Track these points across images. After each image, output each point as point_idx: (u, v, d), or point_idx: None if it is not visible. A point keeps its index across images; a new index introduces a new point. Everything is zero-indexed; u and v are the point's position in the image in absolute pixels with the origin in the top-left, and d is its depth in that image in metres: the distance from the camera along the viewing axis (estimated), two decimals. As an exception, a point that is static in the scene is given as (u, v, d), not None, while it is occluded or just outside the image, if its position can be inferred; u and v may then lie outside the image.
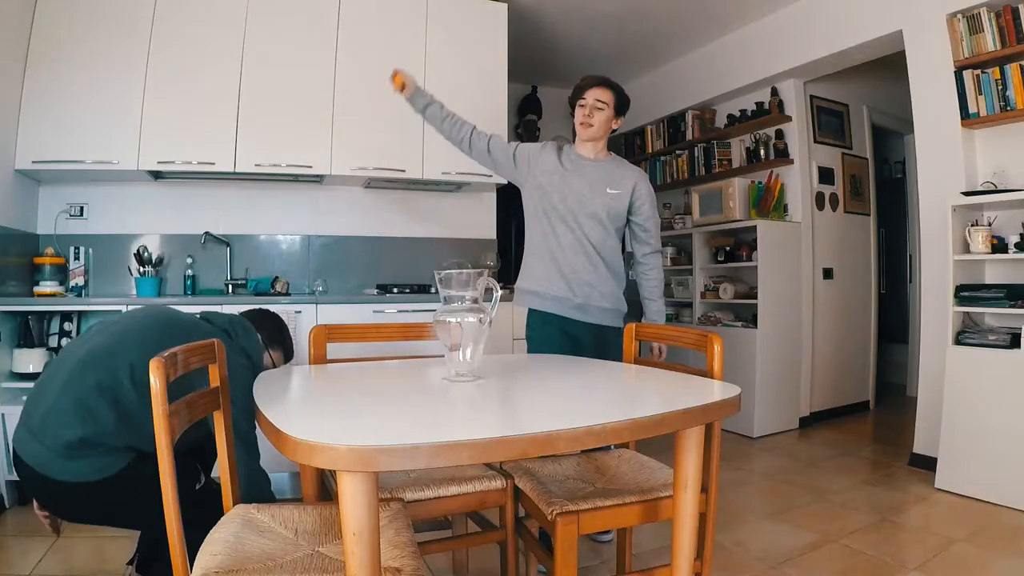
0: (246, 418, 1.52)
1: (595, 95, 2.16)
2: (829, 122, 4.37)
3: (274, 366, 1.90)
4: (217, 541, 1.16)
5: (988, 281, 2.95)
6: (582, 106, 2.18)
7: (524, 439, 0.88)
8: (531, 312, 2.27)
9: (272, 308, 2.75)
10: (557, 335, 2.20)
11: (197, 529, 1.17)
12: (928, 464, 2.98)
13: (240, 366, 1.59)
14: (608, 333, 2.24)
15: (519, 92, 5.31)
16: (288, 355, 1.98)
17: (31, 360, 2.61)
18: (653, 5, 3.95)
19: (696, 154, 4.76)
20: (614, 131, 2.23)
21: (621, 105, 2.20)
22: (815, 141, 4.25)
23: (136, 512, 1.44)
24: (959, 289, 2.81)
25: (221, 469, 1.32)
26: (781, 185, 4.14)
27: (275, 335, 1.95)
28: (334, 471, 1.03)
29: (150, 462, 1.13)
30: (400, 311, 2.99)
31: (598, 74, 2.24)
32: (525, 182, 2.27)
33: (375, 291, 3.36)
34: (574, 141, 2.31)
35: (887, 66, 3.77)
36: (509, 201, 5.15)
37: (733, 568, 2.09)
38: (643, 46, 4.66)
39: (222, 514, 1.29)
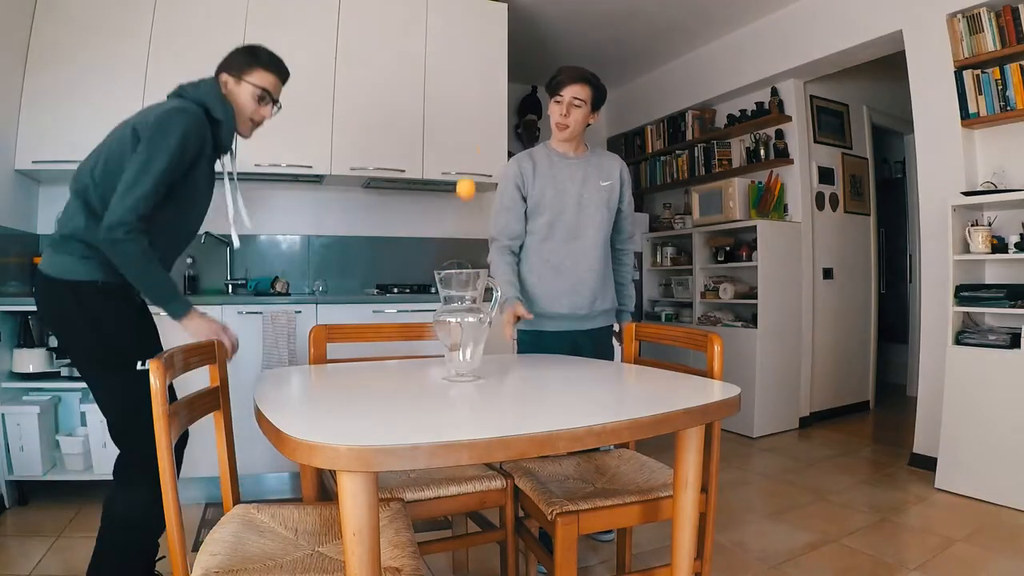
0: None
1: (572, 92, 2.02)
2: (829, 122, 4.37)
3: (260, 98, 1.73)
4: (217, 541, 1.16)
5: (988, 281, 2.95)
6: (558, 102, 2.05)
7: (524, 439, 0.88)
8: (530, 332, 2.14)
9: (272, 308, 2.77)
10: (554, 348, 2.11)
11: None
12: (928, 464, 2.98)
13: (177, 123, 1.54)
14: (603, 333, 2.23)
15: (519, 92, 5.31)
16: (272, 69, 1.75)
17: (31, 360, 2.61)
18: (653, 5, 3.95)
19: (696, 154, 4.76)
20: (589, 125, 2.13)
21: (598, 100, 2.07)
22: (815, 141, 4.25)
23: (96, 341, 1.56)
24: (959, 289, 2.81)
25: (221, 469, 1.32)
26: (781, 185, 4.14)
27: (238, 58, 1.73)
28: (334, 471, 1.03)
29: (115, 292, 1.54)
30: (400, 311, 2.99)
31: (575, 67, 2.07)
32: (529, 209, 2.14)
33: (375, 291, 3.36)
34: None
35: (887, 66, 3.78)
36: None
37: (733, 568, 2.09)
38: (643, 46, 4.66)
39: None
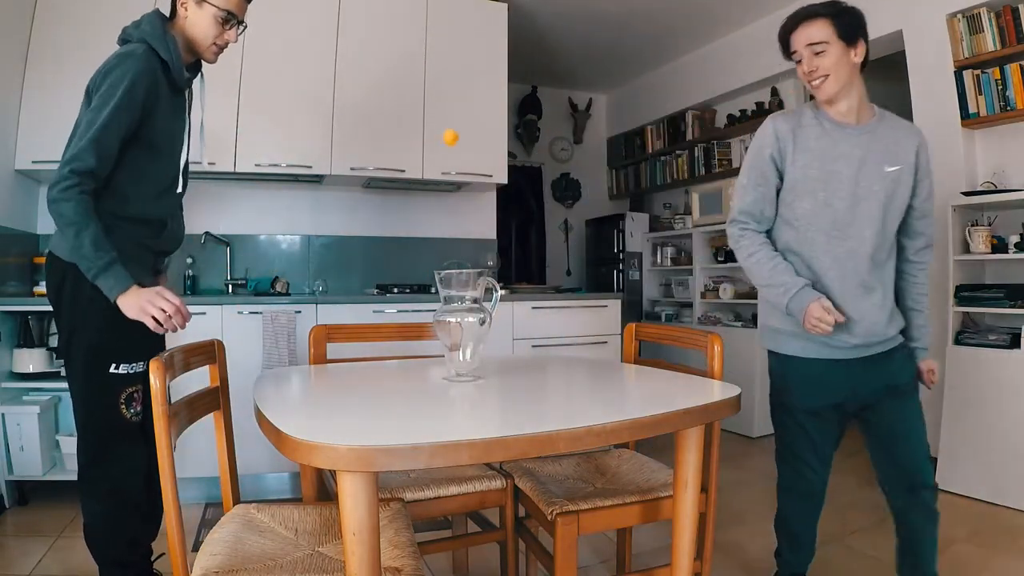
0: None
1: (804, 38, 1.50)
2: (829, 122, 4.37)
3: (225, 20, 1.59)
4: (217, 541, 1.16)
5: (988, 281, 2.95)
6: (797, 61, 1.54)
7: (524, 439, 0.88)
8: (782, 357, 1.64)
9: (272, 308, 2.77)
10: (819, 380, 1.60)
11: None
12: (928, 464, 2.98)
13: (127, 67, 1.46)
14: (895, 353, 1.63)
15: (519, 92, 5.31)
16: None
17: (31, 360, 2.61)
18: (653, 5, 3.95)
19: (696, 154, 4.76)
20: (863, 64, 1.52)
21: (850, 28, 1.49)
22: (815, 141, 4.24)
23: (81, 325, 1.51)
24: (959, 289, 2.81)
25: (221, 469, 1.32)
26: (781, 185, 4.14)
27: None
28: (334, 471, 1.03)
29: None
30: (400, 311, 2.99)
31: (803, 8, 1.53)
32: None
33: (375, 291, 3.36)
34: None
35: (887, 66, 3.77)
36: (509, 201, 5.17)
37: (733, 568, 2.09)
38: (643, 46, 4.66)
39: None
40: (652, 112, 5.19)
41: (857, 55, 1.50)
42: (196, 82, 1.73)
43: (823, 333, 1.48)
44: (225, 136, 3.04)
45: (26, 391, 2.66)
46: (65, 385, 2.61)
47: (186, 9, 1.58)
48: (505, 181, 3.61)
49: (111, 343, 1.50)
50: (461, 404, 1.19)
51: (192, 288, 3.25)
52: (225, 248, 3.34)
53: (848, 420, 1.69)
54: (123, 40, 1.61)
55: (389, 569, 1.06)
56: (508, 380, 1.43)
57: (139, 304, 1.43)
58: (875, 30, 3.31)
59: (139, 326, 1.48)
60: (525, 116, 5.38)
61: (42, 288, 2.84)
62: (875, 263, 1.56)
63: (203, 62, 1.69)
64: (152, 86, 1.52)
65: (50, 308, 2.66)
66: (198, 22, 1.58)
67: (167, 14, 1.63)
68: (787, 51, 1.57)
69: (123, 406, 1.52)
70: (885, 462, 1.64)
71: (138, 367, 1.53)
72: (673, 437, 1.25)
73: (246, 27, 1.67)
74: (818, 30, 1.49)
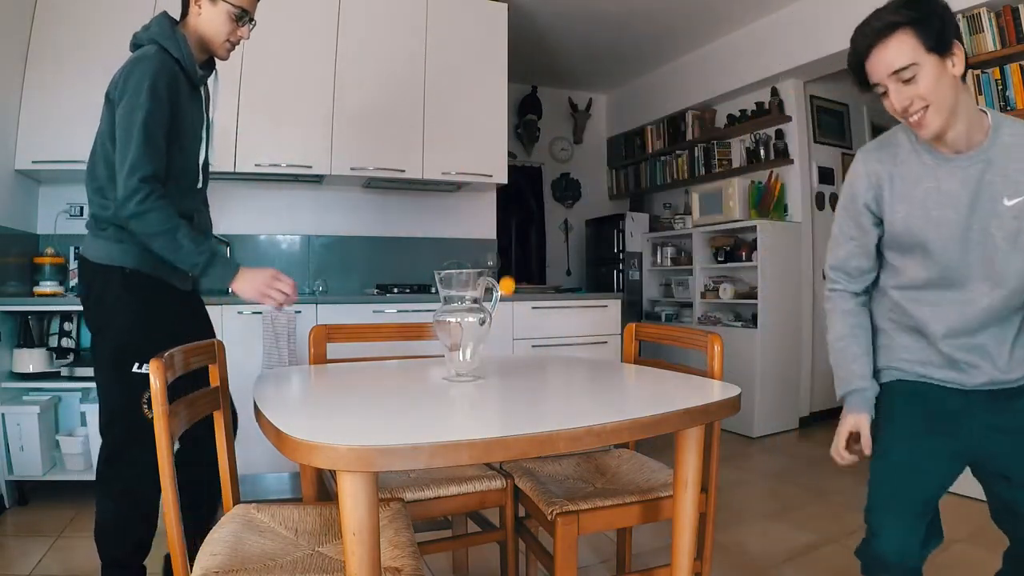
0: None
1: (884, 64, 1.15)
2: (829, 122, 4.37)
3: (238, 17, 1.60)
4: (217, 541, 1.16)
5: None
6: (881, 93, 1.20)
7: (524, 439, 0.88)
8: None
9: (272, 308, 2.76)
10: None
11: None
12: (928, 464, 2.97)
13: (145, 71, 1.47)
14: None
15: (519, 92, 5.31)
16: None
17: (31, 360, 2.61)
18: (653, 5, 3.95)
19: (696, 154, 4.76)
20: (965, 73, 1.19)
21: (938, 33, 1.13)
22: (815, 141, 4.25)
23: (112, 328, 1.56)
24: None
25: (221, 469, 1.32)
26: (781, 185, 4.14)
27: None
28: (334, 471, 1.03)
29: (139, 280, 1.49)
30: (400, 311, 2.99)
31: (871, 20, 1.19)
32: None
33: (375, 291, 3.36)
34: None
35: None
36: (509, 201, 5.17)
37: (733, 568, 2.09)
38: (643, 46, 4.66)
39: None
40: (652, 112, 5.19)
41: (956, 64, 1.14)
42: (211, 80, 1.75)
43: (841, 462, 1.32)
44: (225, 136, 3.04)
45: (26, 391, 2.66)
46: (65, 385, 2.66)
47: (200, 7, 1.60)
48: (505, 181, 3.62)
49: (136, 343, 1.51)
50: (461, 404, 1.19)
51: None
52: (225, 248, 3.34)
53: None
54: (135, 45, 1.63)
55: (389, 569, 1.06)
56: (508, 380, 1.43)
57: (257, 288, 1.55)
58: (875, 30, 3.35)
59: (165, 328, 1.52)
60: (525, 116, 5.38)
61: (42, 288, 2.85)
62: (999, 319, 1.23)
63: (216, 60, 1.72)
64: (172, 82, 1.54)
65: (50, 308, 2.69)
66: (212, 19, 1.60)
67: (175, 16, 1.65)
68: (864, 82, 1.22)
69: (144, 406, 1.51)
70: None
71: None
72: (673, 437, 1.25)
73: (255, 24, 1.68)
74: (899, 50, 1.13)
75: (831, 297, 1.40)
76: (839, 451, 1.32)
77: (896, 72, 1.15)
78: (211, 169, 3.06)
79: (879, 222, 1.31)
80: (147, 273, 1.55)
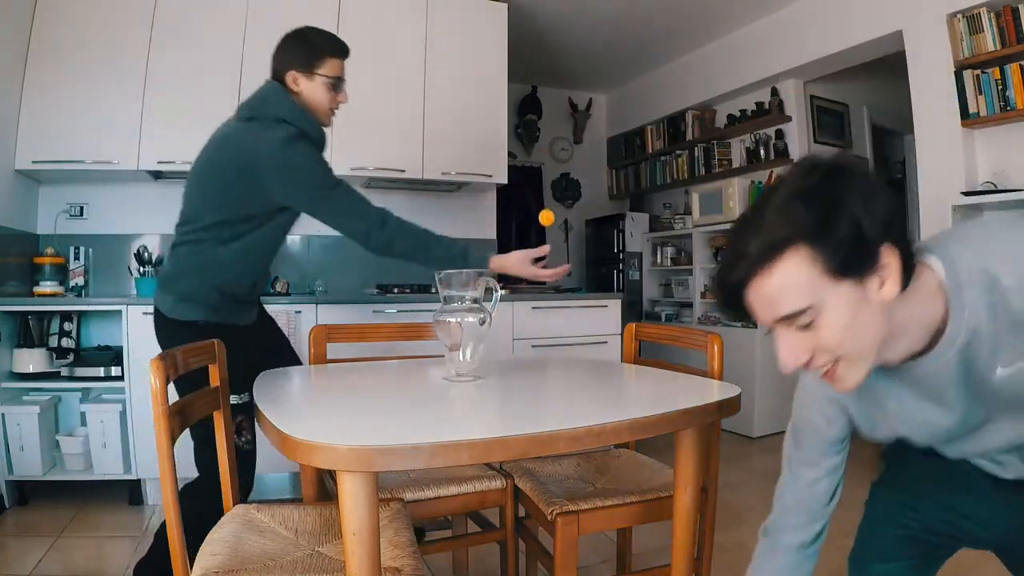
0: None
1: (766, 307, 0.74)
2: (829, 122, 4.37)
3: (334, 86, 1.70)
4: (217, 541, 1.16)
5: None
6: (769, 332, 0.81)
7: (524, 439, 0.88)
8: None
9: (272, 308, 2.76)
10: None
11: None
12: (928, 464, 2.97)
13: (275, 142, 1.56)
14: None
15: (519, 92, 5.31)
16: (336, 53, 1.72)
17: (31, 360, 2.61)
18: (653, 5, 3.95)
19: (696, 154, 4.76)
20: (907, 276, 0.74)
21: (852, 247, 0.69)
22: (815, 141, 4.24)
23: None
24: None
25: (221, 469, 1.32)
26: (781, 185, 4.14)
27: (298, 52, 1.70)
28: (334, 471, 1.03)
29: (211, 331, 1.46)
30: (400, 311, 2.99)
31: (745, 238, 0.73)
32: None
33: (375, 291, 3.35)
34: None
35: (887, 66, 3.77)
36: (509, 201, 5.16)
37: (733, 568, 2.09)
38: (643, 46, 4.66)
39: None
40: (652, 112, 5.19)
41: (886, 282, 0.72)
42: None
43: None
44: (225, 136, 3.04)
45: (26, 391, 2.66)
46: (65, 385, 2.65)
47: (297, 84, 1.69)
48: (505, 181, 3.61)
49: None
50: (461, 404, 1.19)
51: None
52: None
53: None
54: (248, 117, 1.67)
55: (389, 569, 1.06)
56: (508, 380, 1.43)
57: (518, 262, 1.78)
58: (875, 30, 3.35)
59: (242, 359, 1.54)
60: (525, 116, 5.38)
61: (42, 288, 2.85)
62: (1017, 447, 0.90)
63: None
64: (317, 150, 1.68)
65: (50, 308, 2.70)
66: (313, 92, 1.69)
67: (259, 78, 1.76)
68: (741, 314, 0.79)
69: (236, 435, 1.61)
70: None
71: (244, 397, 1.60)
72: (673, 437, 1.25)
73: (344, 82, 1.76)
74: (785, 287, 0.71)
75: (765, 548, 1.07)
76: None
77: (784, 319, 0.73)
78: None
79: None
80: (216, 323, 1.64)
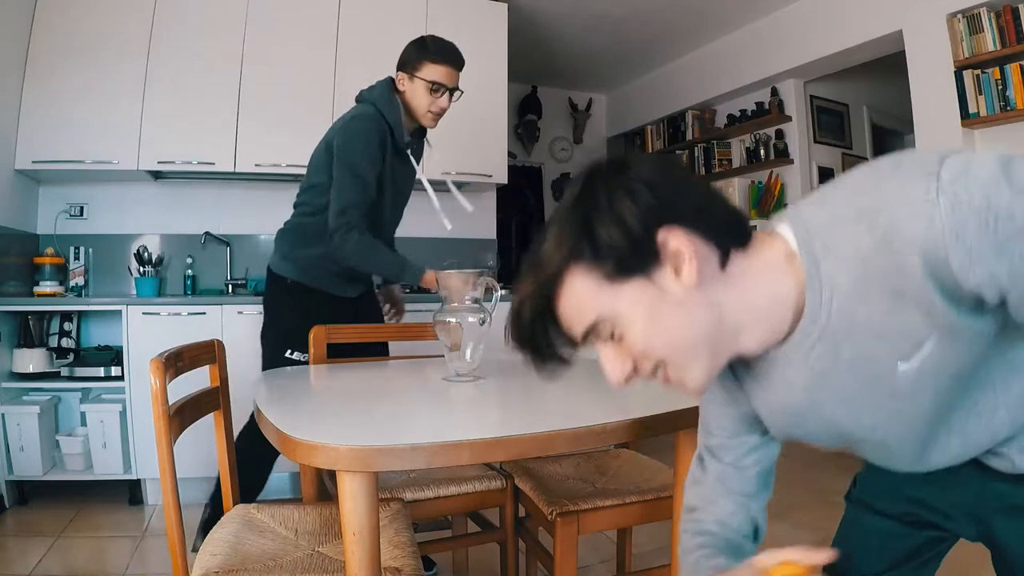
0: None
1: (569, 328, 0.68)
2: (829, 122, 4.37)
3: (434, 90, 1.88)
4: (217, 541, 1.16)
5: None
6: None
7: (524, 439, 0.88)
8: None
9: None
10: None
11: None
12: (928, 464, 2.97)
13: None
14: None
15: (519, 92, 5.31)
16: (440, 60, 1.88)
17: (31, 360, 2.61)
18: (653, 5, 3.95)
19: (696, 154, 4.76)
20: (725, 258, 0.66)
21: (626, 246, 0.62)
22: (815, 141, 4.25)
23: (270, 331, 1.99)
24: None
25: (221, 469, 1.32)
26: (781, 185, 4.14)
27: (409, 53, 1.90)
28: (334, 471, 1.03)
29: (298, 290, 1.92)
30: (400, 311, 2.98)
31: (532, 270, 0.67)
32: None
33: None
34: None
35: (887, 66, 3.77)
36: (509, 201, 5.16)
37: (733, 568, 2.09)
38: (643, 46, 4.66)
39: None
40: (652, 112, 5.19)
41: (683, 271, 0.63)
42: (425, 148, 2.11)
43: None
44: (225, 136, 3.04)
45: (26, 391, 2.66)
46: (65, 385, 2.66)
47: (402, 84, 1.89)
48: (505, 181, 3.62)
49: (292, 334, 1.86)
50: (461, 404, 1.19)
51: (192, 288, 3.25)
52: (225, 248, 3.34)
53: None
54: (358, 99, 1.97)
55: (389, 569, 1.06)
56: (508, 380, 1.43)
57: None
58: (875, 30, 3.35)
59: (328, 320, 1.81)
60: (525, 116, 5.38)
61: (42, 288, 2.85)
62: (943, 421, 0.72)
63: (427, 128, 2.00)
64: (382, 141, 1.84)
65: (50, 308, 2.70)
66: (413, 93, 1.88)
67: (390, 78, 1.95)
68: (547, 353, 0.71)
69: None
70: None
71: (306, 357, 1.79)
72: (673, 437, 1.25)
73: (462, 93, 1.94)
74: (572, 307, 0.66)
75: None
76: None
77: (584, 337, 0.68)
78: (212, 169, 3.11)
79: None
80: (305, 283, 1.93)
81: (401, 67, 1.88)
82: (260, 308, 2.75)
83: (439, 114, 1.90)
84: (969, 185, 0.53)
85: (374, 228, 1.89)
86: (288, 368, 1.68)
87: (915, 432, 0.72)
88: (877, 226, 0.58)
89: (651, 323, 0.65)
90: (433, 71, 1.84)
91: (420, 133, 2.01)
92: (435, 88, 1.85)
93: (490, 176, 3.51)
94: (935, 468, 0.78)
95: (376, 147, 1.81)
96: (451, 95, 1.90)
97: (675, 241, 0.62)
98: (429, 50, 1.86)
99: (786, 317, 0.67)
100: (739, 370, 0.78)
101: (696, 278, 0.63)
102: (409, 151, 1.99)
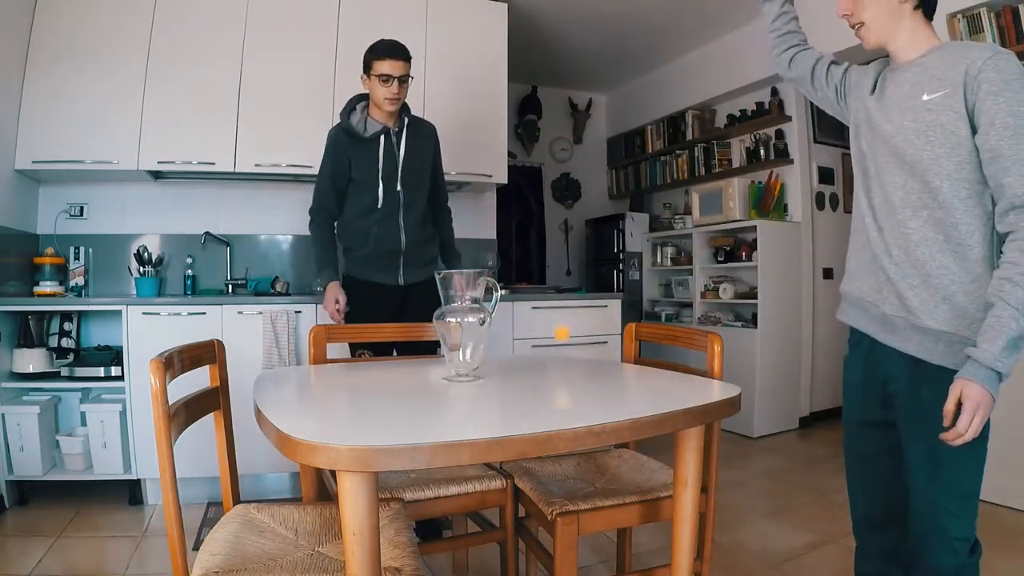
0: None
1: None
2: (829, 122, 4.37)
3: (384, 81, 2.19)
4: (217, 541, 1.16)
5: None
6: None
7: (524, 439, 0.88)
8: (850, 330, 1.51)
9: (272, 308, 2.76)
10: (858, 369, 1.45)
11: None
12: (928, 464, 2.97)
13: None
14: (928, 375, 1.28)
15: (519, 92, 5.31)
16: (385, 55, 2.20)
17: (31, 360, 2.61)
18: (653, 5, 3.95)
19: (696, 154, 4.76)
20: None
21: None
22: (815, 141, 4.25)
23: None
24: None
25: (221, 469, 1.32)
26: (781, 185, 4.14)
27: (365, 56, 2.24)
28: (334, 471, 1.03)
29: (349, 284, 2.34)
30: (400, 311, 2.98)
31: None
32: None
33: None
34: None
35: (887, 66, 3.77)
36: (509, 201, 5.17)
37: (733, 568, 2.09)
38: (643, 46, 4.66)
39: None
40: (652, 112, 5.19)
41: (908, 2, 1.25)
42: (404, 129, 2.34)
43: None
44: (225, 136, 3.04)
45: (26, 391, 2.66)
46: (65, 385, 2.66)
47: (365, 84, 2.24)
48: (505, 181, 3.62)
49: (355, 315, 2.28)
50: (461, 404, 1.19)
51: (192, 288, 3.25)
52: (225, 248, 3.34)
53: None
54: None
55: (389, 569, 1.06)
56: (508, 380, 1.43)
57: (326, 299, 2.31)
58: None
59: (367, 313, 2.23)
60: (525, 116, 5.38)
61: (42, 288, 2.85)
62: (900, 222, 1.26)
63: (411, 113, 2.37)
64: (334, 144, 2.29)
65: (50, 308, 2.70)
66: (372, 88, 2.22)
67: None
68: None
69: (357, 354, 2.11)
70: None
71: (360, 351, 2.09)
72: (673, 437, 1.25)
73: (412, 79, 2.27)
74: None
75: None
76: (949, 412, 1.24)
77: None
78: (212, 169, 3.13)
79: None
80: (353, 277, 2.34)
81: (363, 71, 2.21)
82: (259, 308, 2.80)
83: (393, 99, 2.20)
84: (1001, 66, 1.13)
85: (364, 209, 2.30)
86: (288, 368, 1.67)
87: (896, 195, 1.27)
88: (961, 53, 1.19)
89: (874, 4, 1.30)
90: (380, 66, 2.16)
91: (399, 121, 2.32)
92: (384, 79, 2.16)
93: (490, 176, 3.51)
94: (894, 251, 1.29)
95: (330, 153, 2.29)
96: (401, 83, 2.19)
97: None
98: (376, 50, 2.18)
99: (915, 55, 1.27)
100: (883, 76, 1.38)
101: (909, 10, 1.28)
102: (392, 136, 2.29)
